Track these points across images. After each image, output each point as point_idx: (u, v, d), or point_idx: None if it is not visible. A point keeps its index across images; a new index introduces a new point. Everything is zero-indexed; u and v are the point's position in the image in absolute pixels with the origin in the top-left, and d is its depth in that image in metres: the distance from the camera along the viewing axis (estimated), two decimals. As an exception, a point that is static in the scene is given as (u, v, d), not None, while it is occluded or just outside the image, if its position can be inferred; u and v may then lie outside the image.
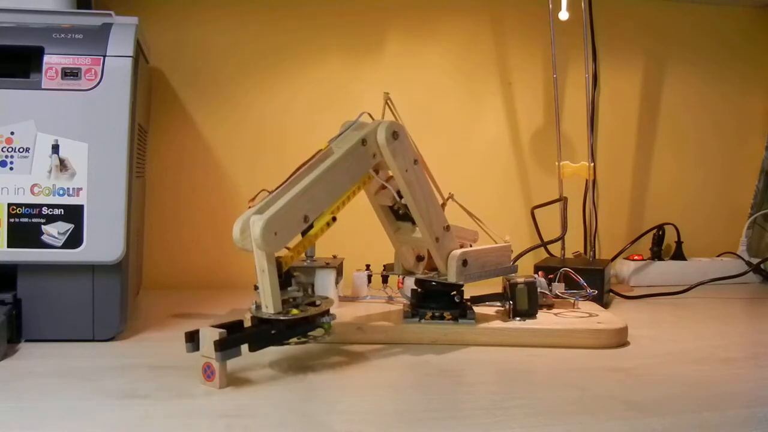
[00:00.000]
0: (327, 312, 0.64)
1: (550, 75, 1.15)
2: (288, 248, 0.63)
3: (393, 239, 0.74)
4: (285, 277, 0.62)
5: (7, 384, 0.57)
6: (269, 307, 0.60)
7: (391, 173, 0.70)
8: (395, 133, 0.67)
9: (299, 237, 0.64)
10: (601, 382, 0.60)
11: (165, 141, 1.05)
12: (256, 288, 0.62)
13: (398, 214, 0.74)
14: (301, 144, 1.04)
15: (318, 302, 0.64)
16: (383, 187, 0.71)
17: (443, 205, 0.74)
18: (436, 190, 0.72)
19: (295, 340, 0.62)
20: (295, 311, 0.61)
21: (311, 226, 0.63)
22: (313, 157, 0.66)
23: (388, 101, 0.72)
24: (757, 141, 1.28)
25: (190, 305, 0.91)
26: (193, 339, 0.59)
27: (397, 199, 0.71)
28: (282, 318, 0.60)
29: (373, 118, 0.70)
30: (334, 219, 0.65)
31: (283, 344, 0.62)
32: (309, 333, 0.63)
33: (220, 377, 0.56)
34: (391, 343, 0.72)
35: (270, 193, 0.63)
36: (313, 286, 0.79)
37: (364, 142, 0.66)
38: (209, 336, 0.57)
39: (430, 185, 0.71)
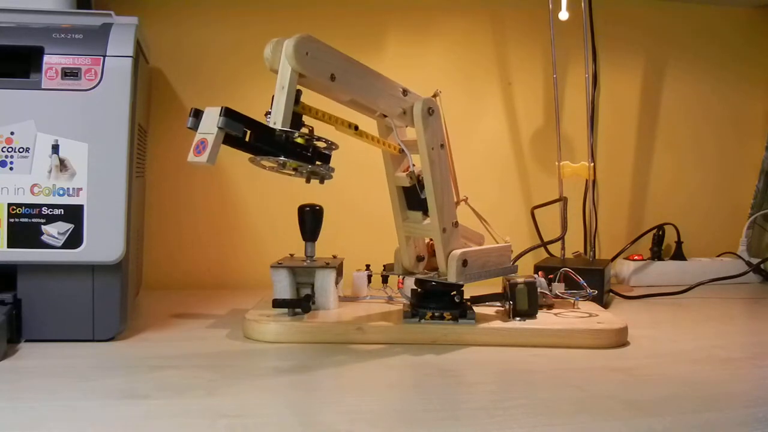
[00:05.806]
0: (329, 156, 0.66)
1: (550, 75, 1.15)
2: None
3: (399, 229, 0.74)
4: (297, 119, 0.64)
5: (7, 384, 0.57)
6: (278, 123, 0.61)
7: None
8: (431, 109, 0.70)
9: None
10: (601, 382, 0.60)
11: (165, 141, 1.05)
12: (267, 114, 0.63)
13: (410, 203, 0.74)
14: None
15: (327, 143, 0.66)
16: (406, 168, 0.73)
17: (456, 204, 0.74)
18: (453, 186, 0.73)
19: (290, 171, 0.65)
20: (300, 140, 0.63)
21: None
22: None
23: (438, 99, 0.74)
24: (756, 141, 1.28)
25: (190, 305, 0.91)
26: (197, 116, 0.60)
27: (414, 172, 0.72)
28: (290, 130, 0.62)
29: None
30: (356, 128, 0.68)
31: (278, 158, 0.63)
32: (309, 167, 0.65)
33: (211, 151, 0.57)
34: (391, 343, 0.72)
35: None
36: (313, 285, 0.79)
37: (405, 111, 0.70)
38: (212, 114, 0.58)
39: (450, 175, 0.72)
